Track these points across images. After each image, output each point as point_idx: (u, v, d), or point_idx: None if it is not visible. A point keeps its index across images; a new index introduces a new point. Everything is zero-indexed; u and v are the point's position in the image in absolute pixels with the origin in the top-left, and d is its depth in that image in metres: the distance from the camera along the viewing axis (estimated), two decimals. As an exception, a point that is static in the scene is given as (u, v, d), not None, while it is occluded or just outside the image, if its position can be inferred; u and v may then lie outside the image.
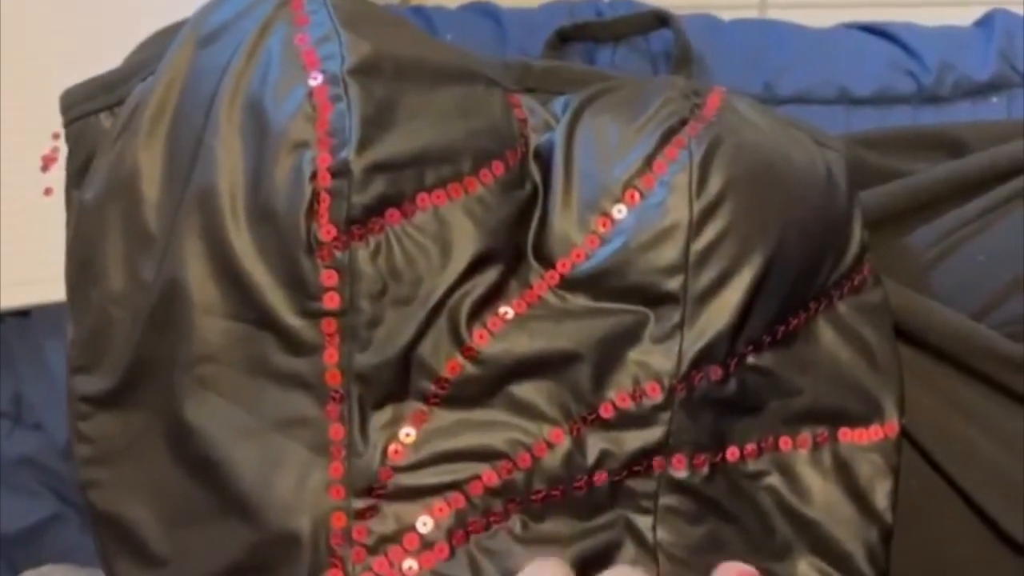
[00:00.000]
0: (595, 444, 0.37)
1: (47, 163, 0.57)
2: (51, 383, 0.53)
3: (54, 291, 0.45)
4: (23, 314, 0.55)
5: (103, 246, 0.39)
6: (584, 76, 0.45)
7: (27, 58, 0.60)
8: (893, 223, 0.48)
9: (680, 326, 0.37)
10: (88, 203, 0.40)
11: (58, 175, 0.48)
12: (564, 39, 0.60)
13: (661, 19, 0.60)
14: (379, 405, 0.36)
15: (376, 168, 0.36)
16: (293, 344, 0.36)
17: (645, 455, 0.37)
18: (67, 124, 0.42)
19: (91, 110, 0.42)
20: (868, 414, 0.41)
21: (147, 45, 0.43)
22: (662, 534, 0.37)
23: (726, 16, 0.67)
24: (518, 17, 0.63)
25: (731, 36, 0.64)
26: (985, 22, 0.65)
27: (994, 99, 0.61)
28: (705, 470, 0.38)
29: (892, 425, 0.41)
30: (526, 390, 0.37)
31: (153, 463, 0.38)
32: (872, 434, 0.40)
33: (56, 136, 0.57)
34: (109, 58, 0.44)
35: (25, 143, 0.57)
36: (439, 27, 0.63)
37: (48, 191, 0.56)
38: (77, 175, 0.42)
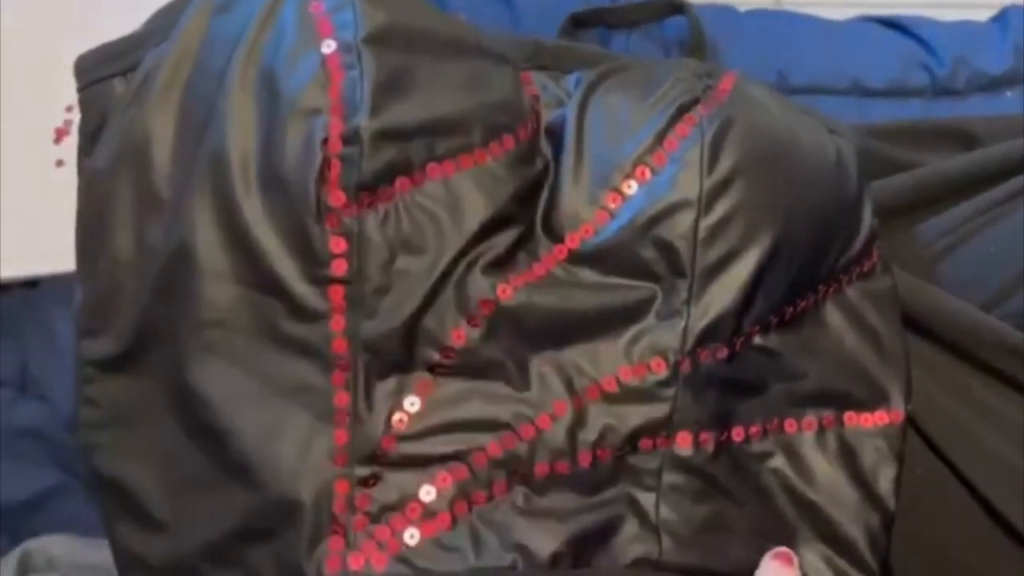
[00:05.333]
0: (598, 418, 0.37)
1: (60, 135, 0.57)
2: (58, 354, 0.53)
3: (63, 262, 0.45)
4: (31, 284, 0.55)
5: (112, 211, 0.39)
6: (596, 57, 0.45)
7: (40, 31, 0.60)
8: (904, 213, 0.48)
9: (687, 302, 0.37)
10: (99, 168, 0.40)
11: (70, 148, 0.48)
12: (578, 24, 0.60)
13: (675, 6, 0.60)
14: (385, 374, 0.36)
15: (386, 135, 0.36)
16: (300, 311, 0.36)
17: (649, 431, 0.37)
18: (80, 89, 0.42)
19: (104, 75, 0.42)
20: (874, 399, 0.41)
21: (161, 13, 0.43)
22: (665, 512, 0.37)
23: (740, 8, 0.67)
24: (531, 1, 0.63)
25: (745, 25, 0.64)
26: (1000, 18, 0.65)
27: (1008, 94, 0.61)
28: (710, 449, 0.38)
29: (898, 412, 0.41)
30: (531, 361, 0.37)
31: (157, 427, 0.38)
32: (877, 419, 0.40)
33: (69, 109, 0.57)
34: (122, 29, 0.44)
35: (38, 116, 0.57)
36: (451, 10, 0.63)
37: (60, 163, 0.56)
38: (89, 141, 0.42)
